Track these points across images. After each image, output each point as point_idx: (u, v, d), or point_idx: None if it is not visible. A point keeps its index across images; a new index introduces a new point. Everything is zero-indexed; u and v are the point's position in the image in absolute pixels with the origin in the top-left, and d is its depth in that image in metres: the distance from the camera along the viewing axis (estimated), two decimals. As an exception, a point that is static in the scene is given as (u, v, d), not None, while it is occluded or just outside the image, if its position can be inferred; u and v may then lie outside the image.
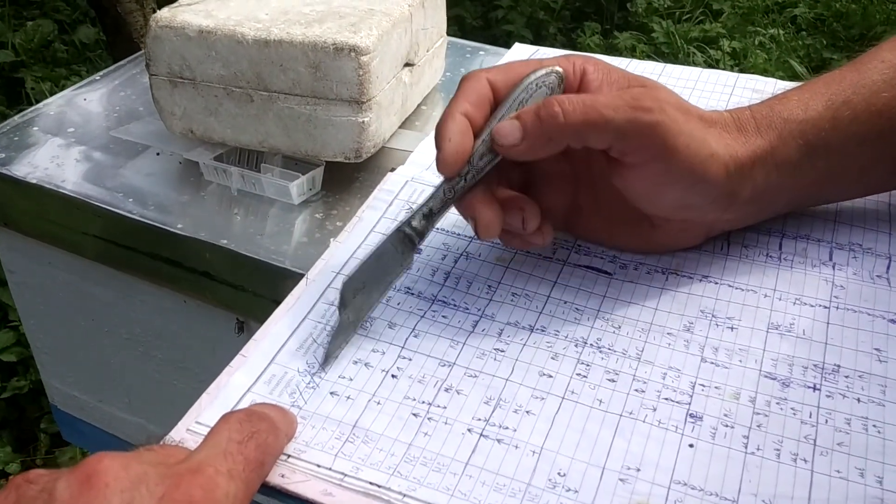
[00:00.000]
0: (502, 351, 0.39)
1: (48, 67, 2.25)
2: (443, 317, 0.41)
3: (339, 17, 0.55)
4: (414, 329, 0.41)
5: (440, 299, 0.42)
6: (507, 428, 0.36)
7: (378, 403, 0.37)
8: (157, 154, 0.62)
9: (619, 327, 0.40)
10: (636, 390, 0.37)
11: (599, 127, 0.37)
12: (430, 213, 0.40)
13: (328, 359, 0.39)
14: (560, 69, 0.40)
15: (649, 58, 2.17)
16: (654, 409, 0.36)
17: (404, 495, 0.33)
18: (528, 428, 0.36)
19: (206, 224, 0.55)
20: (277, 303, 0.43)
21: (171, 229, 0.55)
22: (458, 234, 0.47)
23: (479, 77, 0.40)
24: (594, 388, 0.37)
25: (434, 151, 0.39)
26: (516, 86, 0.40)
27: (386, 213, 0.49)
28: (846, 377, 0.37)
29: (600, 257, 0.45)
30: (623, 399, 0.37)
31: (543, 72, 0.40)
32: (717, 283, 0.42)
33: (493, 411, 0.37)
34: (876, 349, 0.38)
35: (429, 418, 0.36)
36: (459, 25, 2.52)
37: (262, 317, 0.42)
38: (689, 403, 0.36)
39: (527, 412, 0.36)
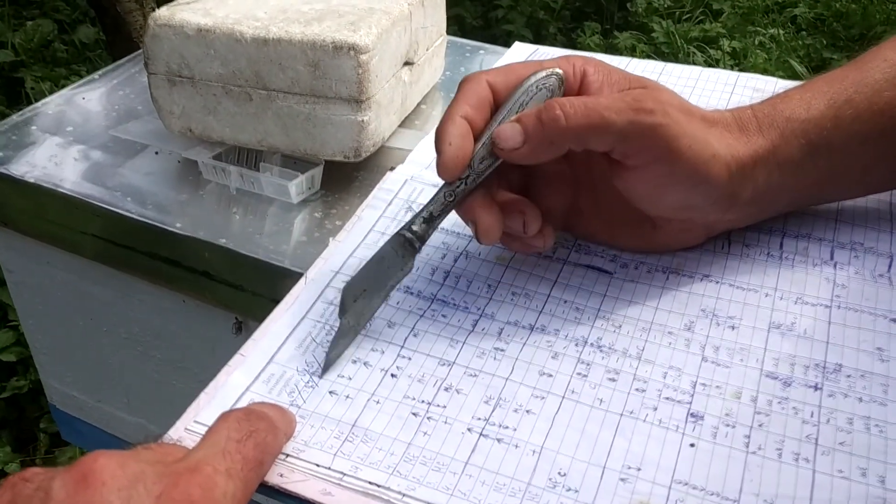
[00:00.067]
0: (502, 350, 0.39)
1: (48, 67, 2.25)
2: (442, 316, 0.41)
3: (338, 15, 0.55)
4: (413, 328, 0.41)
5: (440, 298, 0.42)
6: (507, 427, 0.36)
7: (377, 402, 0.37)
8: (156, 153, 0.62)
9: (620, 326, 0.40)
10: (637, 390, 0.37)
11: (601, 130, 0.37)
12: (430, 217, 0.40)
13: (328, 366, 0.39)
14: (560, 71, 0.40)
15: (649, 58, 2.16)
16: (655, 409, 0.36)
17: (404, 495, 0.33)
18: (529, 427, 0.36)
19: (204, 223, 0.55)
20: (276, 302, 0.43)
21: (170, 228, 0.55)
22: (458, 233, 0.46)
23: (479, 79, 0.40)
24: (595, 388, 0.37)
25: (433, 152, 0.39)
26: (516, 88, 0.39)
27: (385, 213, 0.49)
28: (848, 376, 0.37)
29: (601, 256, 0.44)
30: (624, 398, 0.37)
31: (544, 74, 0.39)
32: (717, 283, 0.42)
33: (493, 410, 0.36)
34: (878, 348, 0.38)
35: (428, 417, 0.36)
36: (459, 25, 2.52)
37: (260, 316, 0.42)
38: (690, 403, 0.36)
39: (527, 411, 0.36)
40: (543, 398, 0.37)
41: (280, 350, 0.40)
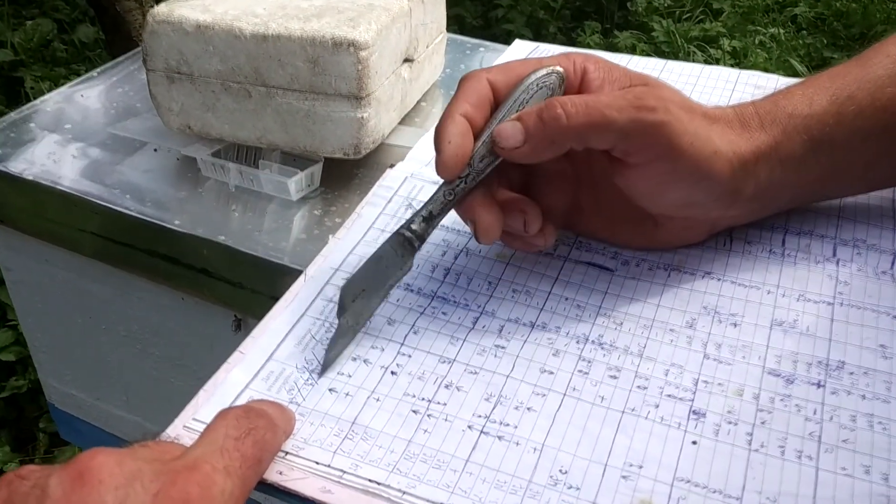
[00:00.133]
0: (503, 347, 0.39)
1: (47, 67, 2.25)
2: (442, 313, 0.41)
3: (337, 11, 0.55)
4: (413, 325, 0.40)
5: (440, 296, 0.42)
6: (507, 425, 0.35)
7: (377, 400, 0.37)
8: (155, 150, 0.62)
9: (622, 324, 0.40)
10: (638, 387, 0.37)
11: (603, 128, 0.36)
12: (429, 216, 0.40)
13: (327, 366, 0.38)
14: (560, 69, 0.39)
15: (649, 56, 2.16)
16: (657, 406, 0.36)
17: (404, 492, 0.33)
18: (530, 425, 0.35)
19: (203, 220, 0.55)
20: (275, 299, 0.43)
21: (169, 226, 0.55)
22: (459, 230, 0.46)
23: (479, 77, 0.39)
24: (596, 385, 0.37)
25: (433, 149, 0.39)
26: (517, 86, 0.39)
27: (385, 210, 0.48)
28: (851, 374, 0.37)
29: (602, 254, 0.44)
30: (625, 396, 0.36)
31: (544, 72, 0.39)
32: (719, 280, 0.42)
33: (493, 408, 0.36)
34: (881, 345, 0.38)
35: (428, 415, 0.36)
36: (459, 24, 2.51)
37: (259, 314, 0.42)
38: (692, 400, 0.36)
39: (528, 409, 0.36)
40: (544, 396, 0.37)
41: (279, 347, 0.40)
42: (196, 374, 0.64)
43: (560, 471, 0.33)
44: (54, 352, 0.74)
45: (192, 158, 0.59)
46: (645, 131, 0.36)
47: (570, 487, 0.33)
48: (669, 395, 0.36)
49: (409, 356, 0.39)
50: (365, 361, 0.39)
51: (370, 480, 0.33)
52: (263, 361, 0.39)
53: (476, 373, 0.38)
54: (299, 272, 0.45)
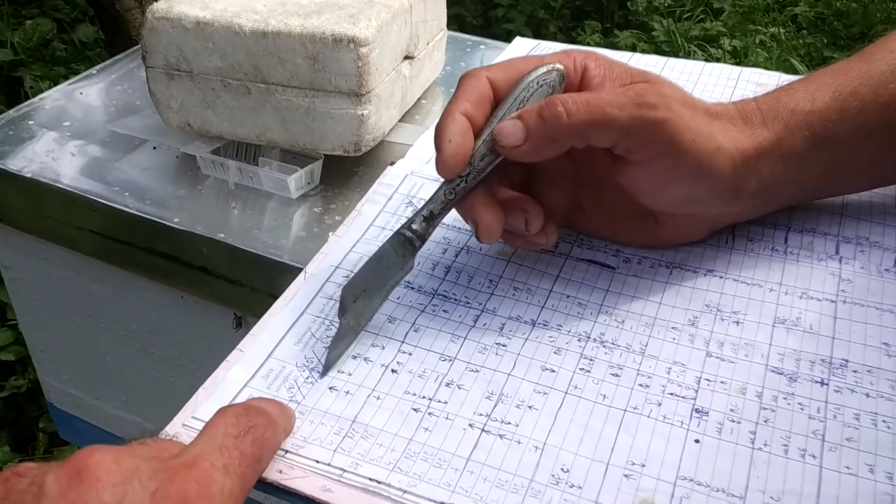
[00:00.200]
0: (504, 345, 0.39)
1: (47, 66, 2.25)
2: (443, 311, 0.41)
3: (337, 8, 0.54)
4: (414, 323, 0.40)
5: (441, 294, 0.42)
6: (509, 423, 0.35)
7: (378, 398, 0.36)
8: (154, 148, 0.62)
9: (623, 322, 0.40)
10: (640, 385, 0.37)
11: (604, 126, 0.36)
12: (430, 216, 0.40)
13: (328, 367, 0.38)
14: (561, 66, 0.39)
15: (650, 56, 2.16)
16: (659, 404, 0.36)
17: (405, 491, 0.32)
18: (531, 423, 0.35)
19: (203, 218, 0.55)
20: (275, 297, 0.42)
21: (168, 223, 0.54)
22: (459, 228, 0.46)
23: (479, 75, 0.39)
24: (598, 383, 0.37)
25: (434, 147, 0.39)
26: (517, 84, 0.39)
27: (385, 208, 0.48)
28: (854, 372, 0.36)
29: (603, 251, 0.44)
30: (627, 394, 0.36)
31: (544, 69, 0.39)
32: (722, 278, 0.42)
33: (494, 406, 0.36)
34: (884, 343, 0.38)
35: (429, 413, 0.36)
36: (459, 24, 2.51)
37: (259, 312, 0.42)
38: (695, 398, 0.36)
39: (529, 407, 0.36)
40: (546, 394, 0.36)
41: (279, 345, 0.39)
42: (195, 373, 0.64)
43: (562, 469, 0.33)
44: (53, 351, 0.74)
45: (191, 156, 0.59)
46: (646, 128, 0.36)
47: (572, 486, 0.33)
48: (672, 394, 0.36)
49: (410, 354, 0.39)
50: (365, 359, 0.38)
51: (371, 479, 0.33)
52: (263, 359, 0.39)
53: (477, 371, 0.38)
54: (299, 270, 0.44)
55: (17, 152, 0.61)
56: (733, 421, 0.35)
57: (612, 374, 0.37)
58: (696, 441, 0.34)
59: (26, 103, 0.68)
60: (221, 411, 0.32)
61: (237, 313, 0.57)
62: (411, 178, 0.50)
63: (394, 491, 0.32)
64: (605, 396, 0.36)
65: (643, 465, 0.33)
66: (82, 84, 0.70)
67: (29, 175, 0.59)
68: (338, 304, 0.40)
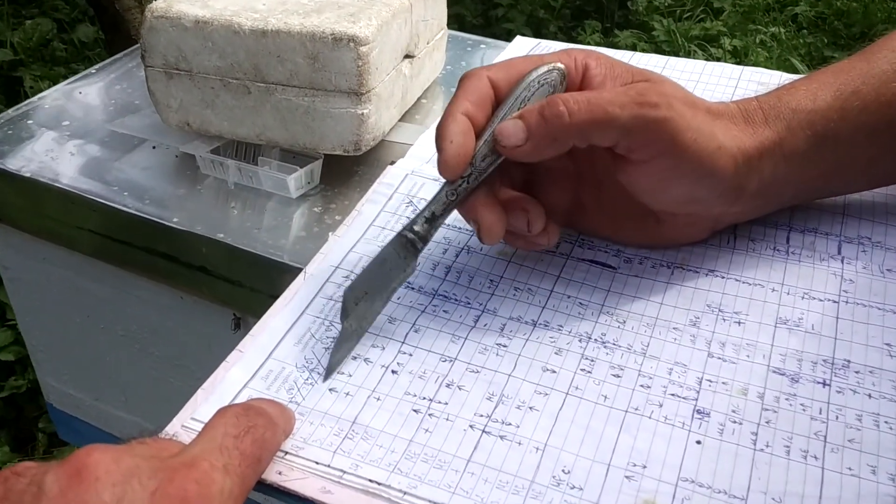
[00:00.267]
0: (505, 346, 0.39)
1: (47, 66, 2.25)
2: (444, 312, 0.41)
3: (337, 6, 0.54)
4: (414, 324, 0.40)
5: (441, 294, 0.42)
6: (509, 424, 0.35)
7: (378, 399, 0.36)
8: (154, 147, 0.62)
9: (624, 322, 0.40)
10: (642, 386, 0.36)
11: (605, 125, 0.36)
12: (432, 217, 0.39)
13: (331, 370, 0.38)
14: (562, 66, 0.39)
15: (650, 56, 2.16)
16: (661, 405, 0.35)
17: (405, 493, 0.32)
18: (532, 424, 0.35)
19: (202, 218, 0.54)
20: (275, 298, 0.42)
21: (168, 223, 0.54)
22: (460, 228, 0.46)
23: (480, 75, 0.39)
24: (599, 384, 0.37)
25: (434, 147, 0.38)
26: (518, 84, 0.39)
27: (385, 207, 0.48)
28: (857, 373, 0.36)
29: (604, 251, 0.44)
30: (628, 395, 0.36)
31: (545, 69, 0.39)
32: (723, 278, 0.42)
33: (495, 407, 0.36)
34: (887, 344, 0.37)
35: (430, 414, 0.36)
36: (460, 24, 2.51)
37: (259, 312, 0.41)
38: (696, 399, 0.36)
39: (530, 408, 0.36)
40: (547, 395, 0.36)
41: (279, 346, 0.39)
42: (195, 374, 0.64)
43: (563, 471, 0.33)
44: (52, 351, 0.74)
45: (190, 155, 0.59)
46: (647, 128, 0.36)
47: (573, 488, 0.32)
48: (673, 395, 0.36)
49: (410, 355, 0.38)
50: (365, 360, 0.38)
51: (370, 480, 0.33)
52: (263, 360, 0.38)
53: (478, 372, 0.37)
54: (299, 270, 0.44)
55: (17, 152, 0.61)
56: (735, 422, 0.35)
57: (614, 375, 0.37)
58: (698, 442, 0.34)
59: (25, 103, 0.67)
60: (221, 411, 0.32)
61: (236, 314, 0.57)
62: (411, 178, 0.50)
63: (394, 492, 0.32)
64: (606, 397, 0.36)
65: (644, 467, 0.33)
66: (81, 83, 0.70)
67: (28, 175, 0.59)
68: (339, 306, 0.40)
